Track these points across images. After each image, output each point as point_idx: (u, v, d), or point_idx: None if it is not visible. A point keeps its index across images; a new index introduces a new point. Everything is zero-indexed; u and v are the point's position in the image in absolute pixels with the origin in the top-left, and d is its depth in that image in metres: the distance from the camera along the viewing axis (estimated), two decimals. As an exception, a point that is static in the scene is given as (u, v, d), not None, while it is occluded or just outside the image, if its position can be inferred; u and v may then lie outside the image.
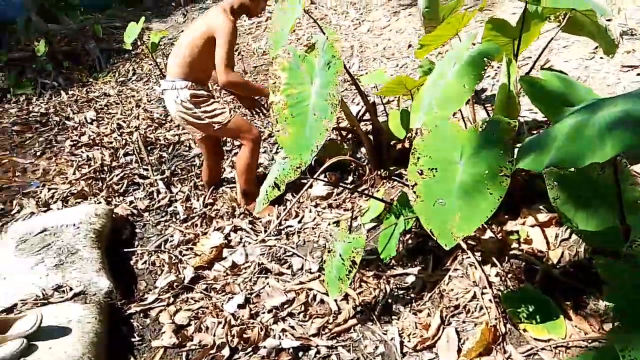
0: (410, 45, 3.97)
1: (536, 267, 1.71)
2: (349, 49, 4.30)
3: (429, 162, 1.31)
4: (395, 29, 4.35)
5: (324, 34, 1.69)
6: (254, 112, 2.81)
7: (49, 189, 3.18)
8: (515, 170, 1.20)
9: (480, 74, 1.36)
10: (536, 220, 1.76)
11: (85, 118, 4.42)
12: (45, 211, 2.90)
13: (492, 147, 1.20)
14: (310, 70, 1.61)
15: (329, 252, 1.79)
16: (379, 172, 2.48)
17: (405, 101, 3.05)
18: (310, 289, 2.05)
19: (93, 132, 4.10)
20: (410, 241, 2.18)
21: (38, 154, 3.89)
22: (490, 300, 1.68)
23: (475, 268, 1.79)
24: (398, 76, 1.97)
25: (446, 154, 1.29)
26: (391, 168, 2.44)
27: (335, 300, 1.92)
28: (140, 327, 1.98)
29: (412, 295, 1.92)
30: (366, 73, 3.78)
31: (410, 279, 2.00)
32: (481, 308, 1.70)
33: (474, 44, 1.57)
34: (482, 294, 1.72)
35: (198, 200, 2.89)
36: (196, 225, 2.67)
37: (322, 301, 2.00)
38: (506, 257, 1.80)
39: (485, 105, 2.28)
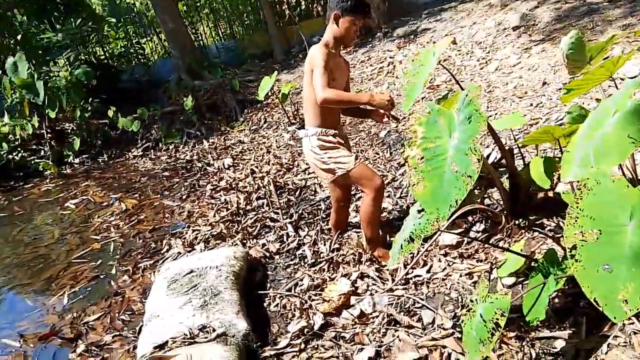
0: (545, 83, 3.72)
1: None
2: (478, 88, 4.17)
3: (591, 223, 1.18)
4: (527, 66, 4.12)
5: (461, 88, 1.65)
6: (387, 118, 2.57)
7: (193, 230, 3.51)
8: None
9: (649, 123, 1.21)
10: None
11: (223, 164, 4.86)
12: (190, 251, 3.19)
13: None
14: (448, 124, 1.57)
15: (467, 311, 1.68)
16: (516, 222, 2.30)
17: (543, 145, 2.83)
18: (444, 347, 1.94)
19: (230, 177, 4.48)
20: (557, 300, 1.96)
21: (184, 197, 4.35)
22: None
23: (644, 339, 1.54)
24: (545, 126, 1.84)
25: (612, 214, 1.15)
26: (531, 218, 2.25)
27: (474, 363, 1.78)
28: (274, 372, 2.03)
29: (563, 363, 1.71)
30: (496, 114, 3.61)
31: (559, 344, 1.79)
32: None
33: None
34: (655, 371, 1.47)
35: (325, 244, 2.95)
36: (323, 270, 2.72)
37: (457, 362, 1.87)
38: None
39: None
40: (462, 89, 1.76)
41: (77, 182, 5.56)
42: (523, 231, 2.33)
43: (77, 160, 6.31)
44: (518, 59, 4.28)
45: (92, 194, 4.95)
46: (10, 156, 6.13)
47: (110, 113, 6.24)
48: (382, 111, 2.51)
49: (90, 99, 6.60)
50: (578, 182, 1.39)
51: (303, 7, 8.55)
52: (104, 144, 6.44)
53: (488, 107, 3.79)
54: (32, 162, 6.20)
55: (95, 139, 6.42)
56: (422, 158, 1.64)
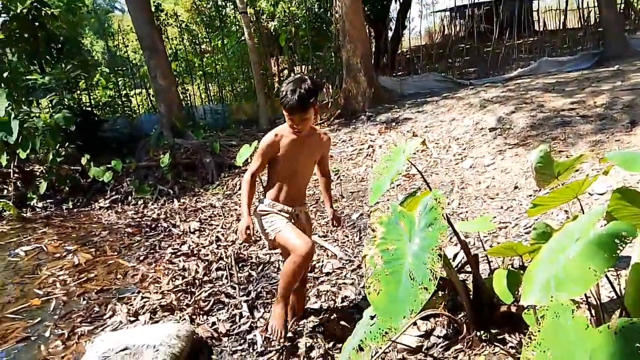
0: (516, 187, 3.78)
1: None
2: (449, 184, 4.21)
3: (547, 359, 1.09)
4: (500, 167, 4.21)
5: (429, 189, 1.62)
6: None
7: (142, 297, 3.29)
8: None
9: (612, 257, 1.17)
10: None
11: (189, 227, 4.70)
12: (132, 321, 2.96)
13: None
14: (409, 228, 1.52)
15: None
16: (478, 334, 2.19)
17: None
18: None
19: (193, 241, 4.31)
20: None
21: (141, 258, 4.14)
22: None
23: None
24: (509, 243, 1.81)
25: (570, 353, 1.07)
26: (493, 331, 2.15)
27: None
28: None
29: None
30: (467, 212, 3.62)
31: None
32: None
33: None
34: None
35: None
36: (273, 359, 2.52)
37: None
38: None
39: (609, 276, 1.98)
40: (430, 190, 1.73)
41: (34, 228, 5.30)
42: (484, 344, 2.21)
43: (40, 205, 6.06)
44: (492, 159, 4.38)
45: (47, 243, 4.69)
46: (-30, 192, 5.87)
47: (84, 160, 6.11)
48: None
49: (67, 143, 6.48)
50: (539, 307, 1.32)
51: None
52: (72, 191, 6.23)
53: (460, 204, 3.80)
54: (-8, 200, 5.93)
55: (64, 184, 6.22)
56: (380, 259, 1.56)
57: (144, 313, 3.05)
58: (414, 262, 1.45)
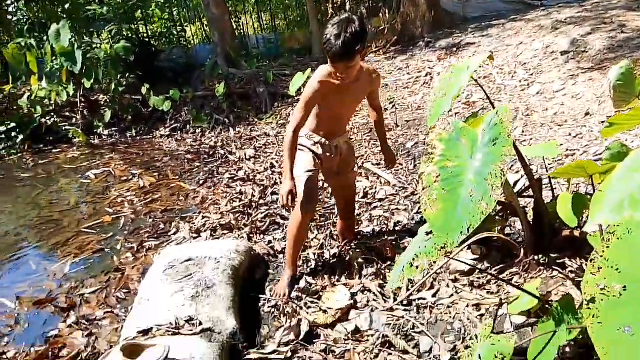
0: (588, 113, 3.51)
1: None
2: (513, 111, 3.98)
3: (616, 276, 1.04)
4: (571, 93, 3.91)
5: (493, 106, 1.52)
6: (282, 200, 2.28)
7: (203, 217, 3.46)
8: None
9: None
10: None
11: (245, 154, 4.81)
12: (195, 237, 3.14)
13: None
14: (471, 145, 1.45)
15: (466, 347, 1.55)
16: (535, 258, 2.14)
17: (578, 181, 2.65)
18: (438, 381, 1.81)
19: (249, 168, 4.42)
20: (568, 349, 1.80)
21: (201, 182, 4.31)
22: None
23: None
24: (579, 161, 1.68)
25: (641, 269, 1.01)
26: (552, 255, 2.09)
27: (466, 404, 1.65)
28: (256, 377, 1.94)
29: (565, 420, 1.56)
30: (531, 139, 3.43)
31: (563, 398, 1.64)
32: None
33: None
34: None
35: (330, 251, 2.84)
36: (324, 276, 2.61)
37: (449, 398, 1.74)
38: None
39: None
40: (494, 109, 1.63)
41: (102, 154, 5.62)
42: (542, 268, 2.16)
43: (106, 132, 6.38)
44: (562, 85, 4.06)
45: (114, 167, 4.98)
46: (43, 120, 6.26)
47: (144, 90, 6.28)
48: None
49: (127, 74, 6.66)
50: (608, 226, 1.25)
51: (348, 7, 8.45)
52: (134, 119, 6.49)
53: (523, 131, 3.60)
54: (63, 128, 6.31)
55: (126, 113, 6.48)
56: (438, 177, 1.52)
57: (205, 230, 3.22)
58: (475, 179, 1.39)
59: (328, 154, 2.50)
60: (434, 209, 1.47)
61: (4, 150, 5.88)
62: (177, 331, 1.92)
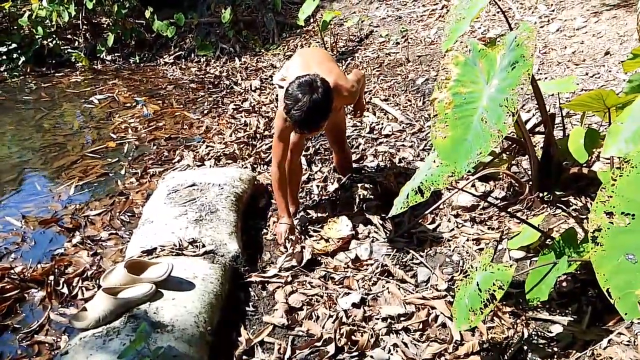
0: (608, 53, 3.36)
1: None
2: (530, 48, 3.81)
3: (624, 204, 1.01)
4: (592, 31, 3.72)
5: (510, 28, 1.43)
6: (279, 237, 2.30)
7: (207, 146, 3.44)
8: None
9: None
10: None
11: (250, 85, 4.70)
12: (199, 166, 3.13)
13: None
14: (488, 69, 1.38)
15: (464, 275, 1.57)
16: (540, 195, 2.13)
17: (591, 117, 2.58)
18: (433, 308, 1.86)
19: (255, 99, 4.33)
20: (565, 283, 1.83)
21: (205, 112, 4.24)
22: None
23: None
24: (598, 89, 1.61)
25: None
26: (557, 193, 2.07)
27: (460, 331, 1.69)
28: (256, 298, 2.00)
29: (555, 349, 1.61)
30: (546, 78, 3.31)
31: (556, 329, 1.68)
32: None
33: None
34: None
35: (333, 183, 2.83)
36: (327, 208, 2.62)
37: (443, 325, 1.79)
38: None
39: None
40: (513, 35, 1.54)
41: (105, 79, 5.51)
42: (545, 206, 2.16)
43: (109, 57, 6.21)
44: (584, 22, 3.86)
45: (118, 93, 4.89)
46: (45, 42, 6.07)
47: (147, 14, 6.03)
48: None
49: (130, -4, 6.37)
50: (619, 160, 1.21)
51: None
52: (137, 45, 6.29)
53: (539, 69, 3.47)
54: (66, 51, 6.13)
55: (130, 38, 6.27)
56: (450, 103, 1.46)
57: (209, 159, 3.20)
58: (489, 105, 1.34)
59: None
60: (444, 136, 1.42)
61: (5, 73, 5.76)
62: (180, 252, 1.95)
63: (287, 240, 2.24)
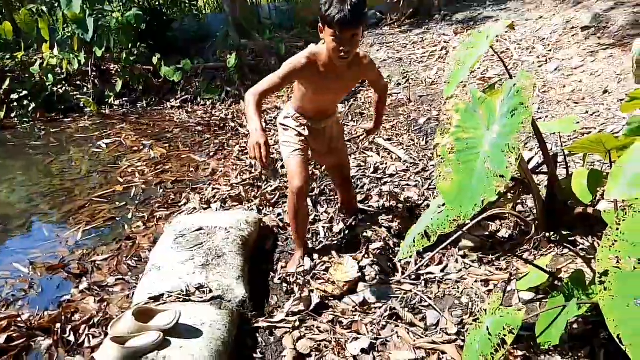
0: (606, 91, 3.43)
1: None
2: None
3: (630, 249, 1.02)
4: (589, 70, 3.81)
5: (508, 72, 1.48)
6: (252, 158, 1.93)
7: (213, 188, 3.47)
8: None
9: None
10: None
11: (255, 127, 4.78)
12: (205, 208, 3.16)
13: None
14: (489, 115, 1.42)
15: (474, 320, 1.55)
16: (547, 234, 2.13)
17: (593, 155, 2.61)
18: (444, 353, 1.82)
19: (259, 141, 4.40)
20: (576, 325, 1.81)
21: (211, 154, 4.31)
22: None
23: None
24: (597, 134, 1.65)
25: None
26: (564, 233, 2.07)
27: (471, 376, 1.66)
28: (264, 345, 1.97)
29: (570, 394, 1.57)
30: (546, 117, 3.37)
31: (569, 374, 1.65)
32: None
33: None
34: None
35: (339, 224, 2.84)
36: (333, 250, 2.62)
37: (455, 370, 1.76)
38: None
39: None
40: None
41: (113, 124, 5.63)
42: (552, 245, 2.15)
43: (116, 102, 6.37)
44: (581, 61, 3.96)
45: (125, 137, 4.99)
46: (55, 88, 6.25)
47: (155, 60, 6.23)
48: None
49: (138, 43, 6.61)
50: (623, 202, 1.22)
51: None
52: (145, 90, 6.46)
53: (539, 108, 3.54)
54: (75, 97, 6.30)
55: (137, 84, 6.45)
56: (453, 148, 1.49)
57: (215, 202, 3.23)
58: (491, 151, 1.37)
59: (315, 137, 2.43)
60: (448, 181, 1.45)
61: (16, 119, 5.90)
62: (187, 298, 1.95)
63: (265, 159, 1.84)
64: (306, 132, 2.41)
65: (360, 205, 2.96)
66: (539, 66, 4.18)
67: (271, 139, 4.40)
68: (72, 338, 2.11)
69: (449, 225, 1.40)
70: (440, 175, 1.47)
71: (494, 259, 2.30)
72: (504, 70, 4.36)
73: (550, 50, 4.40)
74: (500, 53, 4.66)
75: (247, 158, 4.02)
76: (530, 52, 4.51)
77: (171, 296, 1.96)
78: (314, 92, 2.25)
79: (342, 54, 1.92)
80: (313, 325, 2.03)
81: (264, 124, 1.95)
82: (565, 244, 2.07)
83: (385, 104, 2.60)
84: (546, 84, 3.83)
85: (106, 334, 1.81)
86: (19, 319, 2.22)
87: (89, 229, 3.15)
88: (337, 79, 2.14)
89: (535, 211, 2.22)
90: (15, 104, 5.98)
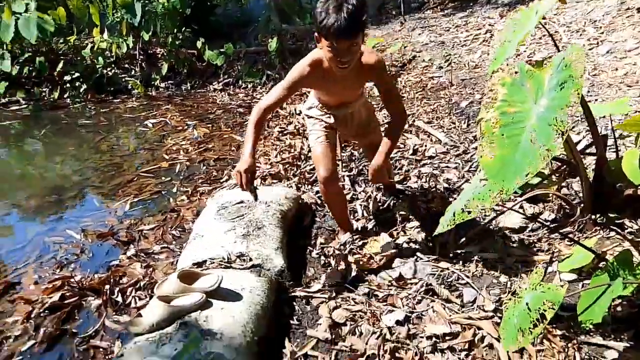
0: (663, 74, 3.26)
1: None
2: (579, 71, 3.75)
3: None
4: (645, 53, 3.63)
5: (558, 50, 1.44)
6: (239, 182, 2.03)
7: (254, 166, 3.55)
8: None
9: None
10: None
11: (295, 109, 4.83)
12: (246, 185, 3.23)
13: None
14: (536, 89, 1.39)
15: (513, 294, 1.54)
16: (592, 217, 2.07)
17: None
18: (480, 328, 1.82)
19: (299, 122, 4.45)
20: (620, 307, 1.76)
21: (252, 134, 4.38)
22: None
23: None
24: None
25: None
26: (611, 215, 2.01)
27: (508, 352, 1.66)
28: (300, 312, 2.03)
29: (611, 375, 1.54)
30: (596, 100, 3.24)
31: (610, 354, 1.62)
32: None
33: None
34: None
35: (376, 203, 2.85)
36: (370, 226, 2.64)
37: (490, 346, 1.75)
38: None
39: None
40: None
41: (159, 105, 5.81)
42: (598, 228, 2.09)
43: (162, 85, 6.56)
44: (636, 43, 3.77)
45: (170, 118, 5.15)
46: (105, 71, 6.51)
47: (199, 44, 6.37)
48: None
49: (183, 28, 6.77)
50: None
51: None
52: (189, 73, 6.63)
53: (589, 91, 3.40)
54: (123, 79, 6.54)
55: (182, 67, 6.62)
56: (497, 122, 1.48)
57: (255, 179, 3.30)
58: (538, 124, 1.34)
59: (342, 122, 2.43)
60: (491, 155, 1.43)
61: (68, 99, 6.19)
62: (229, 265, 2.02)
63: (245, 185, 1.97)
64: (331, 120, 2.40)
65: (398, 186, 2.96)
66: (590, 49, 4.01)
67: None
68: (119, 299, 2.24)
69: (490, 200, 1.39)
70: (482, 150, 1.45)
71: (535, 240, 2.26)
72: (551, 53, 4.20)
73: (602, 33, 4.21)
74: (548, 35, 4.49)
75: (286, 139, 4.08)
76: (581, 34, 4.33)
77: (213, 263, 2.03)
78: (325, 93, 2.31)
79: (340, 65, 1.86)
80: (349, 297, 2.07)
81: (256, 149, 2.06)
82: (612, 227, 2.01)
83: (399, 133, 2.22)
84: (597, 67, 3.67)
85: (151, 297, 1.90)
86: (71, 280, 2.37)
87: (136, 201, 3.30)
88: (345, 80, 2.07)
89: (581, 194, 2.15)
90: (68, 85, 6.27)
